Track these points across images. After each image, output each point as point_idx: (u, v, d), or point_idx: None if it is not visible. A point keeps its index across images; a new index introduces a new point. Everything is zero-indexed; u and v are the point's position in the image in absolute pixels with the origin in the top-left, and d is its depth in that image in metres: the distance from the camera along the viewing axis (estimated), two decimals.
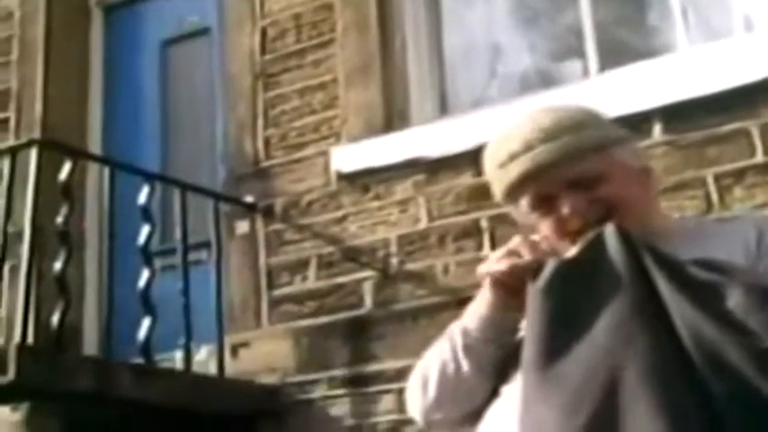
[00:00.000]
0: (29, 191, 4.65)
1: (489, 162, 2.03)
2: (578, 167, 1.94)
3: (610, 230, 1.81)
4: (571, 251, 1.86)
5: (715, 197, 4.35)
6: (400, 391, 4.75)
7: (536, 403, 1.68)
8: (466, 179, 4.90)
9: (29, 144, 4.83)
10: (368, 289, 5.03)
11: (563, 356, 1.70)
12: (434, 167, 5.00)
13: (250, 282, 5.34)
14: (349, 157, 5.23)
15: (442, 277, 4.82)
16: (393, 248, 5.01)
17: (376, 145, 5.18)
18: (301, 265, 5.23)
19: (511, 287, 1.88)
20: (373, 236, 5.08)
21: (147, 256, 4.94)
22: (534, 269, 1.82)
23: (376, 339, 4.93)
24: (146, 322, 4.81)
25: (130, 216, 5.01)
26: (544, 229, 1.99)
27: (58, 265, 4.64)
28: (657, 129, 4.51)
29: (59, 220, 4.68)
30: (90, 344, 5.83)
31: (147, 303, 4.84)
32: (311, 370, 5.06)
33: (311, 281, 5.19)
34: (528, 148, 1.94)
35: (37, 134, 5.86)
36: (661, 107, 4.52)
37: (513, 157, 1.96)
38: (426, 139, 5.08)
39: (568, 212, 1.93)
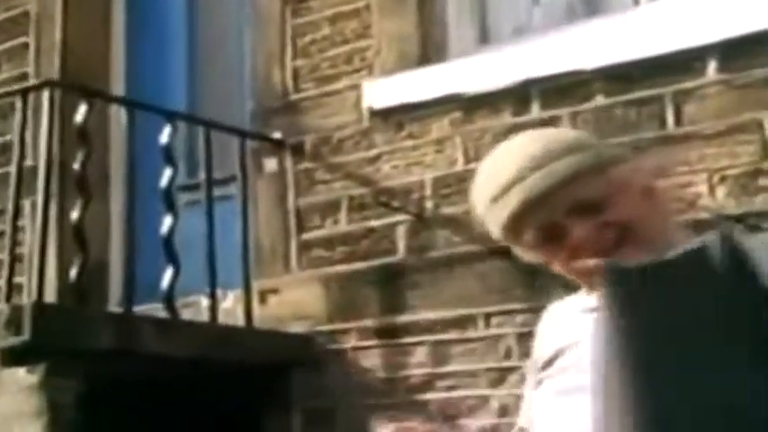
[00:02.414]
0: (42, 135, 4.43)
1: (480, 199, 1.84)
2: (578, 191, 1.78)
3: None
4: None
5: None
6: (434, 344, 4.58)
7: None
8: (505, 118, 4.62)
9: (42, 85, 4.59)
10: (401, 234, 4.78)
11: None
12: (473, 104, 4.70)
13: (279, 224, 5.11)
14: (382, 91, 4.94)
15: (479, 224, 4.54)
16: (428, 191, 4.75)
17: (411, 79, 4.88)
18: (332, 208, 4.99)
19: None
20: (407, 177, 4.81)
21: (169, 200, 4.73)
22: None
23: (409, 288, 4.70)
24: (168, 272, 4.61)
25: (157, 158, 4.81)
26: (556, 266, 1.83)
27: (75, 215, 4.43)
28: (712, 66, 4.19)
29: (76, 165, 4.46)
30: (115, 287, 5.64)
31: (169, 252, 4.64)
32: (342, 319, 4.85)
33: (342, 224, 4.95)
34: (520, 177, 1.77)
35: (56, 75, 5.62)
36: (717, 42, 4.18)
37: (506, 190, 1.78)
38: (465, 73, 4.77)
39: (577, 241, 1.77)
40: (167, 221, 4.70)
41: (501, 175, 1.79)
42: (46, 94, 4.48)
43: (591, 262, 1.71)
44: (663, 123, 4.26)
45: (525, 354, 4.45)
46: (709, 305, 1.54)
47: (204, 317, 4.78)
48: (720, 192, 4.10)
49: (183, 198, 5.64)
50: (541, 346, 1.98)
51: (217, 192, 5.06)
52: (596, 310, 1.73)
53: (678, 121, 4.23)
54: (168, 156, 4.78)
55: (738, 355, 1.49)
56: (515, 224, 1.79)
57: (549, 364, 1.90)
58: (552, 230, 1.79)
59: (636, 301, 1.56)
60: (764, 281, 1.53)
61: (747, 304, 1.52)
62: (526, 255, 1.86)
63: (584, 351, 1.72)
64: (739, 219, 4.03)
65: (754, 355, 1.48)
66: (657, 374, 1.50)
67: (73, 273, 4.40)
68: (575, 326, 1.88)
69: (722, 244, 1.57)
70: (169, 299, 4.59)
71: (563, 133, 1.93)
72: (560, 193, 1.76)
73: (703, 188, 4.13)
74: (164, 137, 4.80)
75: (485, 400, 4.43)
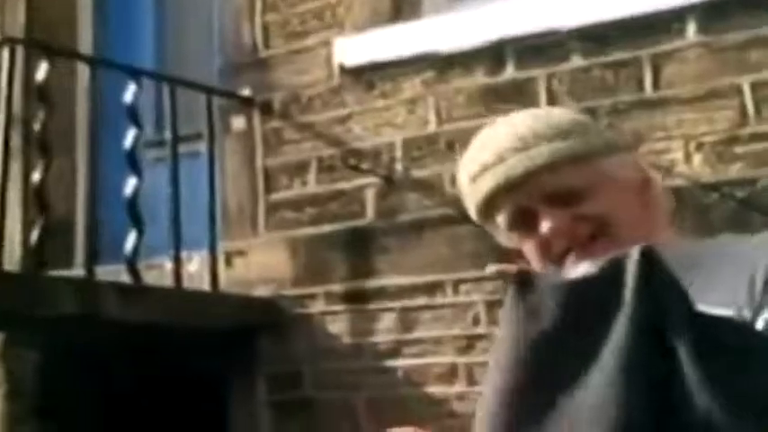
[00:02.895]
0: (1, 92, 4.28)
1: (462, 175, 1.76)
2: (557, 179, 1.67)
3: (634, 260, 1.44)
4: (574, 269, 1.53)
5: (751, 109, 3.92)
6: (402, 310, 4.48)
7: None
8: (479, 78, 4.48)
9: (2, 43, 4.42)
10: (370, 197, 4.65)
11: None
12: (446, 64, 4.56)
13: (246, 184, 4.98)
14: (353, 49, 4.79)
15: (450, 187, 4.42)
16: (398, 153, 4.61)
17: (383, 36, 4.73)
18: (301, 168, 4.85)
19: None
20: (378, 138, 4.68)
21: (133, 161, 4.59)
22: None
23: (378, 252, 4.58)
24: (132, 236, 4.48)
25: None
26: (528, 253, 1.73)
27: (36, 176, 4.30)
28: (691, 29, 4.06)
29: (36, 126, 4.33)
30: (82, 247, 5.51)
31: (133, 215, 4.52)
32: (309, 283, 4.74)
33: (311, 185, 4.82)
34: (500, 158, 1.67)
35: (21, 32, 5.46)
36: (697, 3, 4.06)
37: (484, 170, 1.69)
38: (438, 31, 4.63)
39: (549, 231, 1.67)
40: (131, 183, 4.58)
41: (483, 154, 1.70)
42: (6, 52, 4.33)
43: (512, 267, 1.60)
44: (640, 86, 4.14)
45: (494, 321, 4.37)
46: (606, 334, 1.42)
47: (169, 280, 4.66)
48: (696, 159, 3.99)
49: (151, 154, 5.54)
50: None
51: (185, 148, 4.96)
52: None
53: (656, 85, 4.11)
54: (132, 115, 4.64)
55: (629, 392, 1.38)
56: (488, 206, 1.71)
57: None
58: (525, 216, 1.70)
59: (535, 318, 1.43)
60: (677, 316, 1.42)
61: (645, 344, 1.41)
62: (500, 237, 1.77)
63: None
64: (714, 187, 3.92)
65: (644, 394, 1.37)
66: (541, 393, 1.40)
67: (34, 236, 4.27)
68: None
69: (640, 267, 1.46)
70: (132, 263, 4.47)
71: (561, 115, 1.75)
72: (537, 180, 1.67)
73: (679, 155, 4.02)
74: (128, 95, 4.65)
75: (452, 367, 4.34)
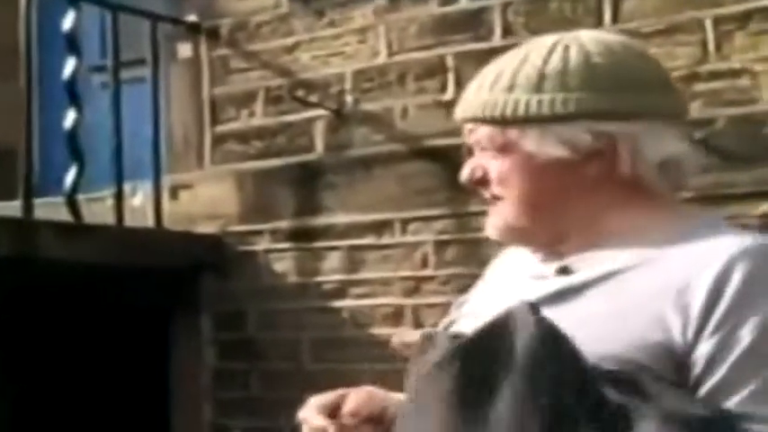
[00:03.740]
0: None
1: None
2: (478, 132, 1.62)
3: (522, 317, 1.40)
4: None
5: (712, 45, 3.75)
6: (349, 249, 4.33)
7: None
8: (432, 8, 4.28)
9: None
10: (319, 130, 4.48)
11: None
12: None
13: (192, 114, 4.80)
14: None
15: (401, 121, 4.26)
16: (348, 85, 4.43)
17: None
18: (248, 99, 4.67)
19: None
20: (327, 69, 4.48)
21: (72, 92, 4.40)
22: None
23: (325, 189, 4.42)
24: (72, 171, 4.31)
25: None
26: None
27: None
28: None
29: None
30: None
31: (73, 148, 4.34)
32: (254, 220, 4.59)
33: (258, 117, 4.64)
34: (478, 87, 1.61)
35: None
36: None
37: (466, 91, 1.65)
38: None
39: (465, 173, 1.65)
40: (70, 116, 4.40)
41: (482, 74, 1.63)
42: None
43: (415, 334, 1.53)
44: (599, 19, 3.96)
45: (443, 263, 4.25)
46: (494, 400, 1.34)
47: (111, 215, 4.49)
48: None
49: (97, 80, 5.37)
50: (467, 298, 1.74)
51: (130, 74, 4.80)
52: (516, 277, 1.63)
53: (615, 18, 3.93)
54: (71, 43, 4.44)
55: None
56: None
57: (449, 325, 1.66)
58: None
59: (440, 374, 1.41)
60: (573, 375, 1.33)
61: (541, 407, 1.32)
62: None
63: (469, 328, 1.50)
64: None
65: None
66: None
67: None
68: (488, 291, 1.69)
69: (536, 328, 1.37)
70: (72, 200, 4.30)
71: (570, 61, 1.54)
72: (474, 125, 1.62)
73: None
74: (67, 22, 4.45)
75: (399, 309, 4.20)
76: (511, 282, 1.63)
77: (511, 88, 1.55)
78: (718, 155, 3.68)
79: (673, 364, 1.39)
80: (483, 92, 1.58)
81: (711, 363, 1.38)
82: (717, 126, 3.70)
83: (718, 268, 1.42)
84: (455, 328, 1.58)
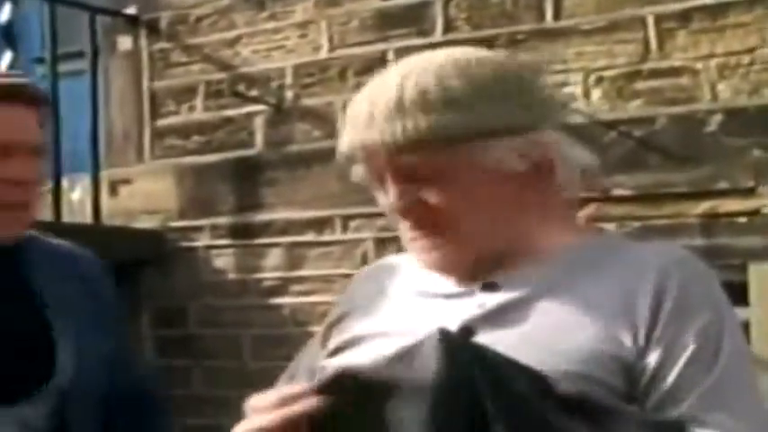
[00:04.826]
0: None
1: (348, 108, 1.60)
2: (412, 158, 1.49)
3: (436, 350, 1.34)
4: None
5: (654, 43, 3.73)
6: (289, 246, 4.29)
7: None
8: (373, 2, 4.25)
9: None
10: (259, 125, 4.43)
11: None
12: None
13: (132, 108, 4.74)
14: None
15: (341, 117, 4.21)
16: (288, 79, 4.38)
17: None
18: (188, 93, 4.61)
19: None
20: (267, 63, 4.43)
21: None
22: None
23: (266, 185, 4.38)
24: None
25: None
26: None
27: None
28: None
29: None
30: None
31: None
32: (195, 215, 4.55)
33: (198, 111, 4.59)
34: (371, 116, 1.51)
35: None
36: None
37: (355, 119, 1.54)
38: None
39: (391, 207, 1.53)
40: None
41: (363, 104, 1.53)
42: None
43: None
44: (541, 15, 3.94)
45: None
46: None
47: (48, 210, 4.42)
48: (595, 94, 3.81)
49: (39, 72, 5.29)
50: (345, 318, 1.65)
51: (68, 67, 4.72)
52: (426, 294, 1.54)
53: (557, 14, 3.91)
54: (8, 36, 4.38)
55: None
56: (348, 155, 1.57)
57: (339, 350, 1.59)
58: (378, 179, 1.55)
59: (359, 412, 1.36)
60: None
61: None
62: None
63: (385, 350, 1.42)
64: (612, 125, 3.74)
65: None
66: None
67: None
68: (389, 310, 1.59)
69: (445, 355, 1.32)
70: None
71: (471, 73, 1.51)
72: (392, 153, 1.49)
73: (578, 89, 3.83)
74: (3, 15, 4.38)
75: None
76: (422, 298, 1.56)
77: (426, 108, 1.48)
78: (658, 154, 3.67)
79: (623, 374, 1.40)
80: (395, 121, 1.48)
81: (659, 370, 1.40)
82: (657, 125, 3.70)
83: (656, 279, 1.44)
84: (370, 349, 1.53)
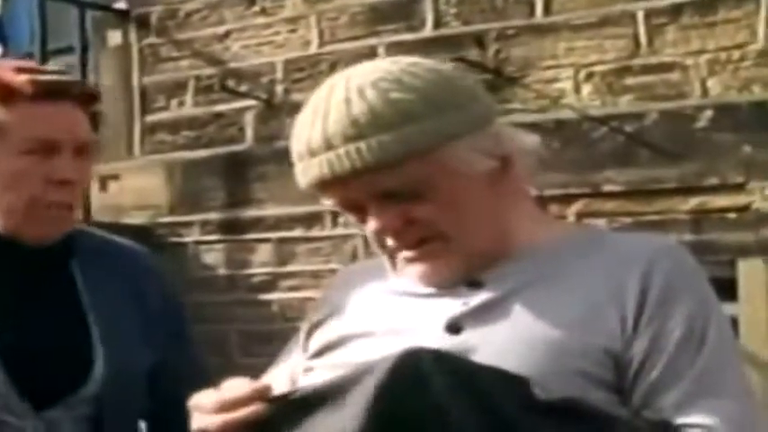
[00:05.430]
0: None
1: (293, 142, 1.51)
2: (389, 178, 1.44)
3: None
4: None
5: (644, 38, 3.74)
6: (279, 241, 4.28)
7: None
8: None
9: None
10: (249, 120, 4.43)
11: None
12: None
13: (122, 103, 4.73)
14: None
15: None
16: (279, 75, 4.38)
17: None
18: (178, 88, 4.61)
19: None
20: (257, 58, 4.43)
21: None
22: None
23: (256, 180, 4.38)
24: None
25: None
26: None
27: None
28: None
29: None
30: None
31: None
32: (184, 211, 4.54)
33: (188, 107, 4.58)
34: (328, 146, 1.43)
35: None
36: None
37: (312, 153, 1.45)
38: None
39: (376, 230, 1.48)
40: None
41: (313, 132, 1.45)
42: None
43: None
44: (531, 10, 3.93)
45: (372, 256, 4.19)
46: None
47: None
48: (586, 89, 3.81)
49: None
50: (327, 320, 1.62)
51: (58, 62, 4.69)
52: (408, 294, 1.51)
53: (547, 10, 3.90)
54: None
55: None
56: (317, 190, 1.50)
57: (325, 350, 1.57)
58: (355, 207, 1.50)
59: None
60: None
61: None
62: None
63: (374, 349, 1.41)
64: (603, 121, 3.74)
65: None
66: None
67: None
68: (373, 310, 1.57)
69: (438, 364, 1.30)
70: None
71: (409, 85, 1.47)
72: (365, 176, 1.45)
73: (568, 84, 3.83)
74: None
75: None
76: (407, 297, 1.54)
77: (387, 127, 1.44)
78: (648, 150, 3.67)
79: (613, 366, 1.40)
80: (359, 142, 1.43)
81: (646, 360, 1.40)
82: (647, 120, 3.69)
83: (642, 269, 1.44)
84: (355, 349, 1.53)
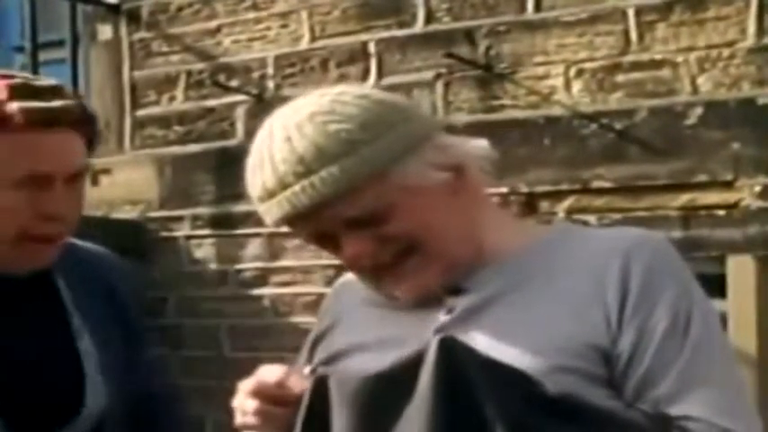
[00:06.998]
0: None
1: (249, 188, 1.56)
2: (350, 205, 1.49)
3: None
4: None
5: (634, 35, 3.74)
6: (270, 236, 4.29)
7: None
8: None
9: None
10: (240, 116, 4.43)
11: None
12: None
13: (113, 98, 4.73)
14: None
15: None
16: (270, 70, 4.38)
17: None
18: (169, 83, 4.61)
19: None
20: (249, 53, 4.43)
21: None
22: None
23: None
24: None
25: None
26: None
27: None
28: None
29: None
30: None
31: None
32: (175, 205, 4.55)
33: (179, 102, 4.58)
34: (282, 185, 1.49)
35: None
36: None
37: (270, 195, 1.50)
38: None
39: (351, 257, 1.53)
40: None
41: (265, 175, 1.50)
42: None
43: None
44: (522, 7, 3.93)
45: None
46: None
47: None
48: (576, 86, 3.81)
49: (19, 60, 5.30)
50: (330, 332, 1.69)
51: (49, 56, 4.72)
52: (395, 306, 1.56)
53: (538, 6, 3.90)
54: None
55: None
56: (285, 226, 1.55)
57: (333, 360, 1.62)
58: (326, 239, 1.54)
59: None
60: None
61: None
62: None
63: (373, 360, 1.48)
64: (593, 118, 3.75)
65: None
66: None
67: None
68: (366, 322, 1.62)
69: (441, 362, 1.37)
70: None
71: (347, 115, 1.50)
72: (327, 208, 1.48)
73: (559, 81, 3.84)
74: None
75: (319, 297, 4.15)
76: (393, 309, 1.58)
77: (334, 158, 1.47)
78: (638, 146, 3.68)
79: (603, 362, 1.43)
80: (312, 177, 1.46)
81: (634, 354, 1.43)
82: (637, 117, 3.70)
83: (620, 261, 1.47)
84: (354, 362, 1.55)
